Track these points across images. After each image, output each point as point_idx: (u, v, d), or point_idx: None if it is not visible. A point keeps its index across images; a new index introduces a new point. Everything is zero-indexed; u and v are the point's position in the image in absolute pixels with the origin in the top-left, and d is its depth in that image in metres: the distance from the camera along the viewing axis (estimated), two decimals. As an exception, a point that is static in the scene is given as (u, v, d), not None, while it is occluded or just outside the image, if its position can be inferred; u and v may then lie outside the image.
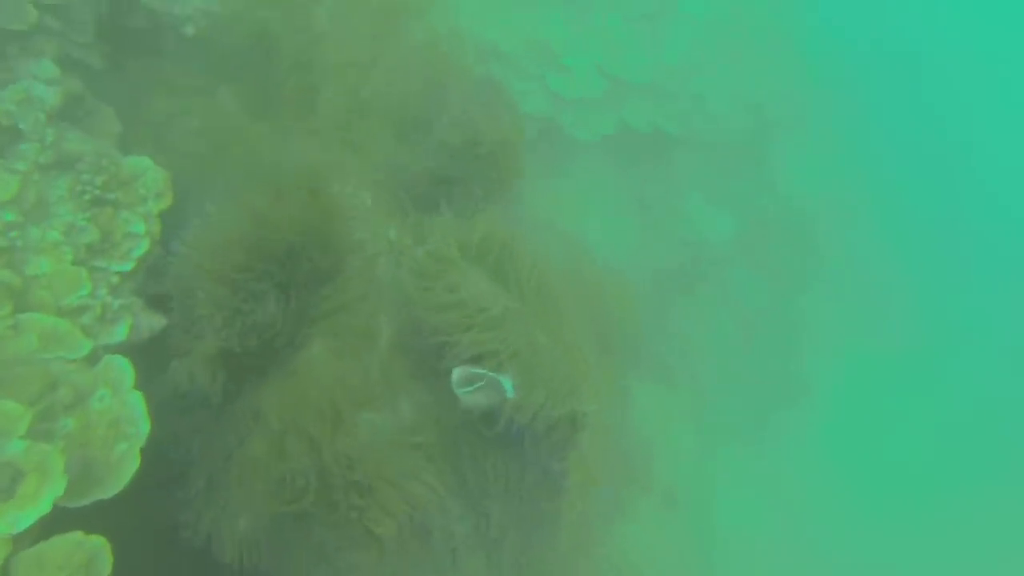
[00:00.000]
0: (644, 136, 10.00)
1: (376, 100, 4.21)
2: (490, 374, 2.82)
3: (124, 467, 2.55)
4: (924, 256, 11.90)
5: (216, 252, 2.93)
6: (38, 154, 3.25)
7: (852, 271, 11.33)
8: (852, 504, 10.88)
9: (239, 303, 2.99)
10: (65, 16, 3.89)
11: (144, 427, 2.73)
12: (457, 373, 2.86)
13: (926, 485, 11.57)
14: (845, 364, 11.24)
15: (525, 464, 3.21)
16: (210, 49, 4.56)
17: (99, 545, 2.36)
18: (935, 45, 12.63)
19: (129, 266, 3.45)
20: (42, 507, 2.26)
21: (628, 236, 10.22)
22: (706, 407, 9.17)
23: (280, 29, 4.22)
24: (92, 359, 2.87)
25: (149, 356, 3.52)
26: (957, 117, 12.86)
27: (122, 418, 2.66)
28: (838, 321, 11.09)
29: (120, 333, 3.09)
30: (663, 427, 8.23)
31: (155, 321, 3.41)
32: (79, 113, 3.78)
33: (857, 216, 11.41)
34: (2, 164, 3.21)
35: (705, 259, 9.79)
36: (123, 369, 2.78)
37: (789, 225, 10.28)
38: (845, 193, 10.71)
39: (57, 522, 2.37)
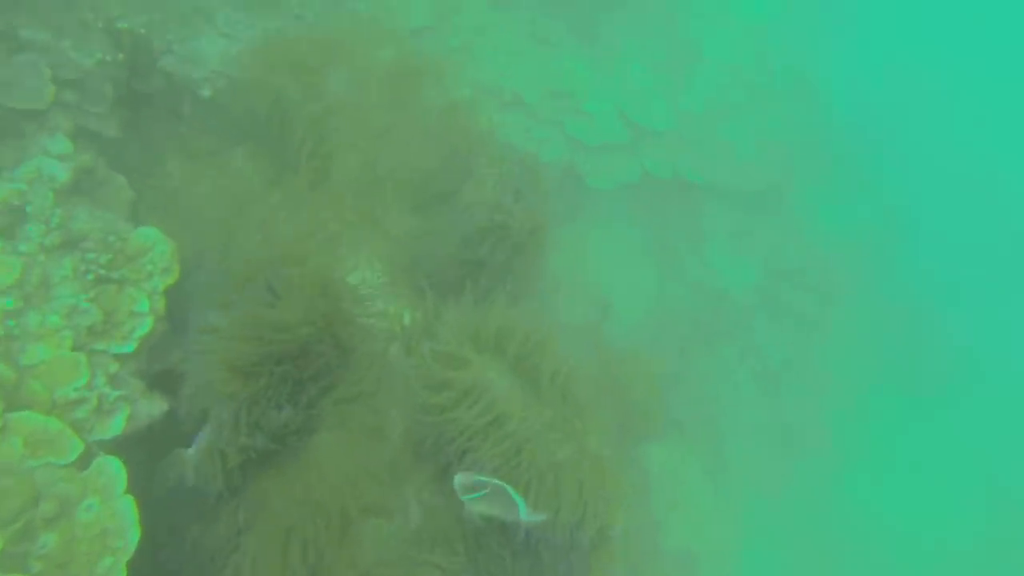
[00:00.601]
0: (666, 183, 9.82)
1: (393, 170, 4.07)
2: (495, 482, 2.60)
3: (108, 585, 2.36)
4: (944, 302, 11.58)
5: (230, 351, 2.77)
6: (44, 236, 3.14)
7: (875, 316, 11.02)
8: (886, 557, 10.41)
9: (252, 401, 2.83)
10: (83, 88, 3.83)
11: (133, 537, 2.54)
12: (459, 479, 2.64)
13: (963, 544, 11.03)
14: (868, 412, 10.86)
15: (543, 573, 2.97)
16: (226, 112, 4.49)
17: None
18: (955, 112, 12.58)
19: (131, 347, 3.31)
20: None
21: (648, 287, 10.00)
22: (728, 468, 8.83)
23: (295, 95, 4.12)
24: (84, 459, 2.71)
25: (148, 441, 3.36)
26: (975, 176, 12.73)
27: (109, 530, 2.48)
28: (859, 371, 10.74)
29: (116, 427, 2.93)
30: (682, 493, 7.91)
31: (155, 407, 3.25)
32: (90, 185, 3.70)
33: (877, 263, 11.12)
34: (8, 246, 3.10)
35: (726, 310, 9.52)
36: (114, 474, 2.61)
37: (814, 276, 9.99)
38: (866, 241, 10.43)
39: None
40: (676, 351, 8.25)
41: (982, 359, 11.67)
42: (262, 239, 3.97)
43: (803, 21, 10.21)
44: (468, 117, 4.27)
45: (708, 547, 8.04)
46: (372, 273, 3.80)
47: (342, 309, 2.90)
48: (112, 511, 2.53)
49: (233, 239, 4.11)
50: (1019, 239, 13.11)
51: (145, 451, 3.30)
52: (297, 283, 2.83)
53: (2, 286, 2.95)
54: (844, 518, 9.92)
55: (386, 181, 3.95)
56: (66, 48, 3.76)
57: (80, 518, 2.47)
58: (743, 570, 8.66)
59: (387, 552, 2.75)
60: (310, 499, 2.97)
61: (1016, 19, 15.92)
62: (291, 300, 2.80)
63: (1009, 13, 15.70)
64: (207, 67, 4.68)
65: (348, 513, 2.88)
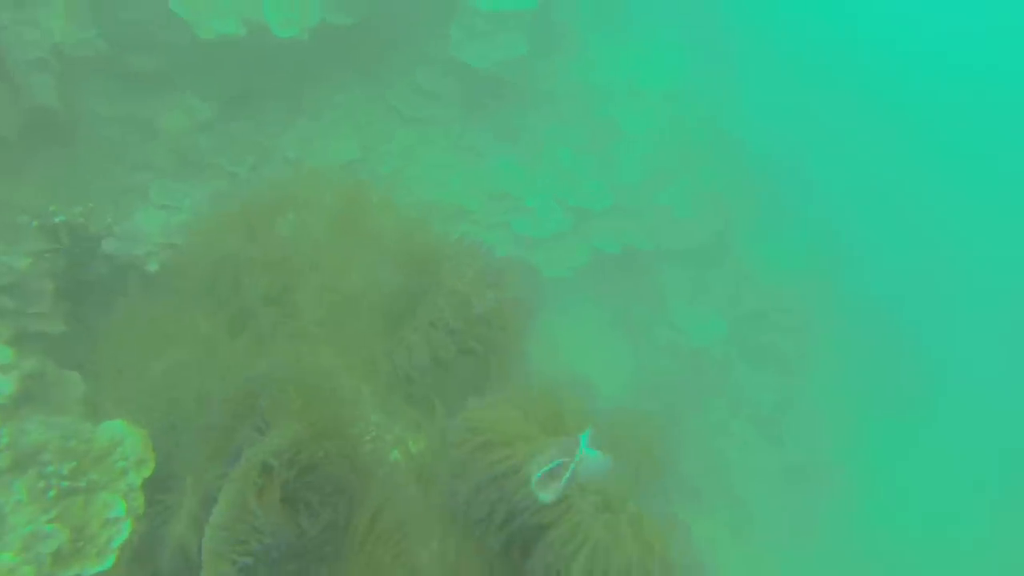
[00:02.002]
0: (617, 257, 10.00)
1: (359, 295, 3.97)
2: None
3: None
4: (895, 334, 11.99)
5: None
6: (-8, 461, 2.83)
7: (845, 341, 11.25)
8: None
9: None
10: (20, 291, 3.64)
11: None
12: None
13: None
14: (867, 437, 10.83)
15: None
16: (176, 280, 4.34)
17: None
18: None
19: (109, 561, 2.95)
20: None
21: (623, 360, 9.96)
22: (752, 520, 8.51)
23: (245, 247, 4.01)
24: None
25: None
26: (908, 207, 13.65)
27: None
28: (848, 397, 10.80)
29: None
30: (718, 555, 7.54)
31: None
32: (41, 389, 3.43)
33: (831, 290, 11.47)
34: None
35: (706, 366, 9.50)
36: None
37: (779, 315, 10.16)
38: (814, 271, 10.79)
39: None
40: (668, 415, 8.10)
41: (954, 363, 11.96)
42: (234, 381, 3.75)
43: (707, 77, 10.94)
44: (423, 229, 4.25)
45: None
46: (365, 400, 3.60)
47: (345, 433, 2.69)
48: None
49: (203, 402, 3.86)
50: (941, 243, 13.91)
51: None
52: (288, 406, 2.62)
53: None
54: (875, 545, 9.61)
55: (354, 306, 3.83)
56: (-2, 254, 3.59)
57: None
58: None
59: None
60: None
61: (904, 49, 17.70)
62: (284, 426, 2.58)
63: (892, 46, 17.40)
64: (150, 242, 4.56)
65: None
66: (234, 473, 2.85)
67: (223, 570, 2.72)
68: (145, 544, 3.24)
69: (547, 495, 2.47)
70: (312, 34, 7.05)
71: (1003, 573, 10.36)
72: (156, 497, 3.29)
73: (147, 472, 3.26)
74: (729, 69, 11.23)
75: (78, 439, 3.13)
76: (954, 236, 14.51)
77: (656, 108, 10.93)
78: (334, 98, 8.10)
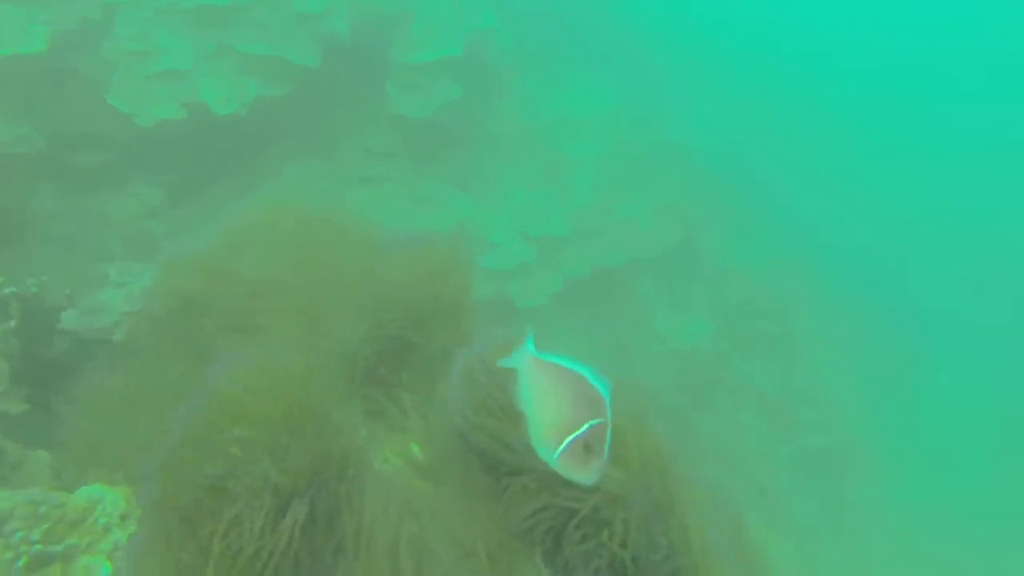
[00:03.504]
0: (588, 279, 10.05)
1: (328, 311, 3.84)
2: None
3: None
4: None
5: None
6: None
7: (832, 316, 11.34)
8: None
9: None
10: (-28, 369, 3.46)
11: None
12: None
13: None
14: (883, 406, 10.74)
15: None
16: (146, 340, 4.18)
17: None
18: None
19: (101, 627, 2.68)
20: None
21: (618, 376, 9.81)
22: (792, 513, 8.25)
23: (212, 291, 3.91)
24: None
25: None
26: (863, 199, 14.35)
27: None
28: (850, 368, 10.77)
29: None
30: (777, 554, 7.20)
31: None
32: (3, 471, 3.20)
33: (805, 271, 11.66)
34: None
35: (701, 367, 9.42)
36: None
37: (762, 303, 10.22)
38: (794, 259, 11.00)
39: None
40: (673, 418, 7.93)
41: (938, 325, 12.11)
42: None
43: (642, 99, 11.37)
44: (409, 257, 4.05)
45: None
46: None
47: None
48: None
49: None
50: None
51: None
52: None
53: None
54: (915, 521, 9.35)
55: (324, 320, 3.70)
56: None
57: None
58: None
59: None
60: None
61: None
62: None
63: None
64: (114, 312, 4.42)
65: None
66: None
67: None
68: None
69: (584, 475, 1.71)
70: (250, 108, 7.19)
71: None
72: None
73: (134, 527, 3.02)
74: (660, 89, 11.75)
75: (49, 504, 2.90)
76: (904, 210, 15.06)
77: (599, 133, 11.27)
78: (283, 169, 8.18)
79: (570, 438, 1.69)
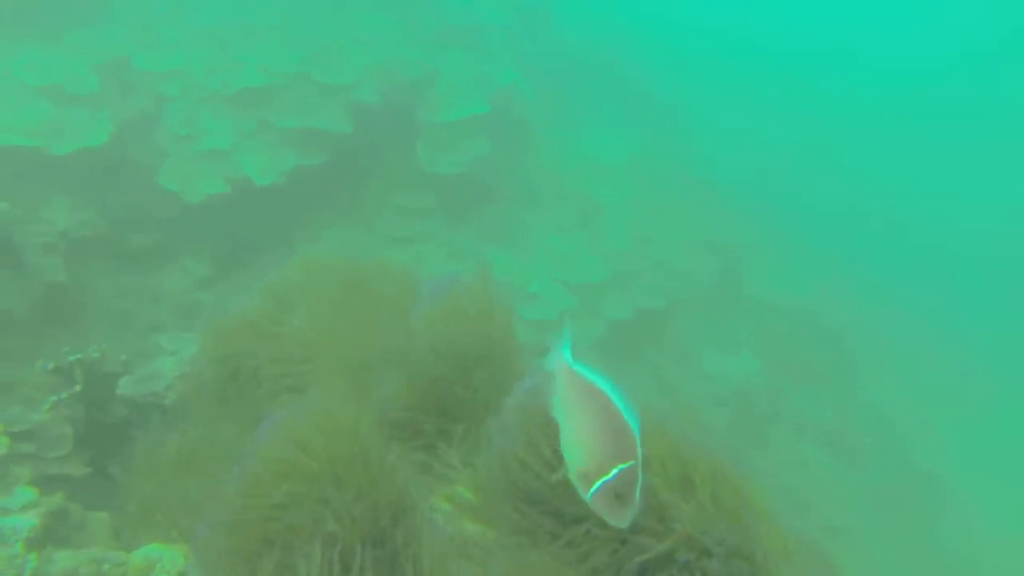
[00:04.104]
0: (630, 322, 9.93)
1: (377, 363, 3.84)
2: None
3: None
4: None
5: None
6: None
7: (894, 354, 10.90)
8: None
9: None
10: (39, 437, 3.57)
11: None
12: None
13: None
14: (945, 437, 10.10)
15: None
16: (193, 406, 4.26)
17: None
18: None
19: None
20: None
21: (669, 419, 9.54)
22: (859, 556, 7.71)
23: (261, 350, 3.98)
24: None
25: None
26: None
27: None
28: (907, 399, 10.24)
29: None
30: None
31: None
32: (65, 529, 3.25)
33: (856, 295, 11.31)
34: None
35: (754, 401, 9.09)
36: None
37: (807, 334, 9.89)
38: (838, 281, 10.71)
39: None
40: (732, 454, 7.59)
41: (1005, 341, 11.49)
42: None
43: (662, 139, 11.49)
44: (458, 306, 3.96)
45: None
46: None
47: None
48: None
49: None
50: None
51: None
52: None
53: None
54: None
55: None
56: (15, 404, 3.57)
57: None
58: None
59: None
60: None
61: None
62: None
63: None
64: (167, 376, 4.54)
65: None
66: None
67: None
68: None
69: (617, 519, 1.66)
70: (289, 178, 7.51)
71: None
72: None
73: (190, 585, 3.00)
74: (678, 126, 11.90)
75: (111, 563, 2.92)
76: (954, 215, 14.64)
77: (626, 176, 11.39)
78: (322, 235, 8.44)
79: (599, 483, 1.64)
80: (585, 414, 1.72)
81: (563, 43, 12.36)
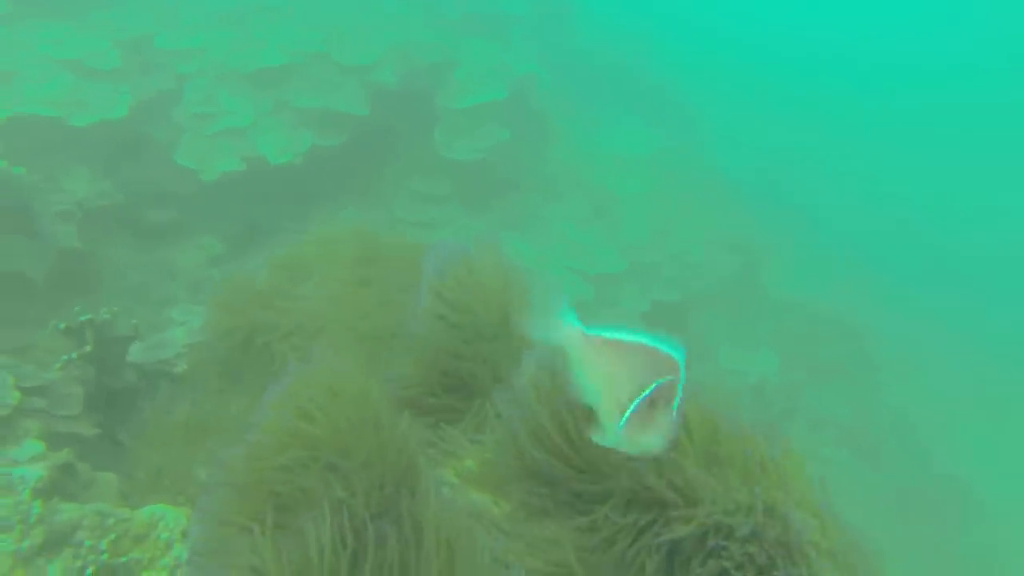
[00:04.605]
0: (647, 315, 9.80)
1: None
2: None
3: None
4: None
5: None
6: (20, 540, 2.58)
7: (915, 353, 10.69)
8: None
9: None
10: (50, 393, 3.55)
11: None
12: None
13: None
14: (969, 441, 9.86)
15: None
16: (202, 374, 4.23)
17: None
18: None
19: (161, 644, 2.58)
20: None
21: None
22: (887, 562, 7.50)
23: (270, 319, 3.92)
24: None
25: None
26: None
27: None
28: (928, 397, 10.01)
29: None
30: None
31: None
32: (74, 488, 3.21)
33: (874, 293, 11.11)
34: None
35: (771, 395, 8.93)
36: None
37: (825, 332, 9.71)
38: (855, 278, 10.51)
39: None
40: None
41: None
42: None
43: (679, 133, 11.37)
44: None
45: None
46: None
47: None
48: None
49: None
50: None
51: None
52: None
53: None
54: None
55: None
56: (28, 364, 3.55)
57: None
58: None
59: None
60: None
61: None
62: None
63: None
64: (177, 345, 4.52)
65: None
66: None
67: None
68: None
69: (652, 438, 1.50)
70: (305, 158, 7.48)
71: None
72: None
73: (194, 546, 2.95)
74: (697, 122, 11.77)
75: (116, 518, 2.88)
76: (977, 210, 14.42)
77: (645, 170, 11.25)
78: (337, 217, 8.39)
79: (636, 401, 1.45)
80: (617, 357, 1.53)
81: (584, 38, 12.29)
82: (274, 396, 2.91)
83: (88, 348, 3.63)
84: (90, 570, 2.60)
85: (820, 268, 10.99)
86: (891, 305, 10.43)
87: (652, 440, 1.49)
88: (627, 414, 1.49)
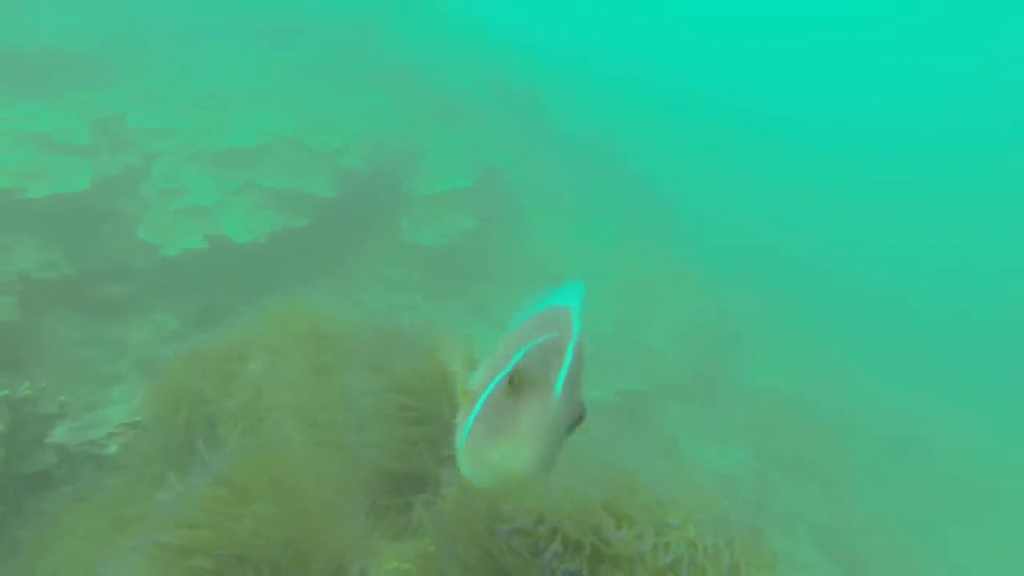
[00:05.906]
0: (612, 404, 9.66)
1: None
2: None
3: None
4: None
5: None
6: None
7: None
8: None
9: None
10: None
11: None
12: None
13: None
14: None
15: None
16: (137, 456, 3.93)
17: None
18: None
19: None
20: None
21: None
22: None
23: (213, 393, 3.73)
24: None
25: None
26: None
27: None
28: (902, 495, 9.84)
29: None
30: None
31: None
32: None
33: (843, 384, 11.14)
34: None
35: (744, 494, 8.69)
36: None
37: (794, 416, 9.65)
38: (827, 367, 10.56)
39: None
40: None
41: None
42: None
43: (644, 228, 11.64)
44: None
45: None
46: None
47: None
48: None
49: None
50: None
51: None
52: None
53: None
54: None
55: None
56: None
57: None
58: None
59: None
60: None
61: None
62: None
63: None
64: (110, 425, 4.22)
65: None
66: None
67: None
68: None
69: (513, 453, 0.99)
70: (270, 239, 7.44)
71: None
72: None
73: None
74: (662, 211, 12.13)
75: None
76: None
77: (611, 261, 11.45)
78: (293, 297, 8.27)
79: (488, 388, 1.01)
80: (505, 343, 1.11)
81: (553, 122, 12.81)
82: (204, 481, 2.73)
83: (0, 428, 3.35)
84: None
85: (792, 357, 11.04)
86: (869, 380, 10.44)
87: (510, 453, 0.93)
88: (470, 417, 1.00)
